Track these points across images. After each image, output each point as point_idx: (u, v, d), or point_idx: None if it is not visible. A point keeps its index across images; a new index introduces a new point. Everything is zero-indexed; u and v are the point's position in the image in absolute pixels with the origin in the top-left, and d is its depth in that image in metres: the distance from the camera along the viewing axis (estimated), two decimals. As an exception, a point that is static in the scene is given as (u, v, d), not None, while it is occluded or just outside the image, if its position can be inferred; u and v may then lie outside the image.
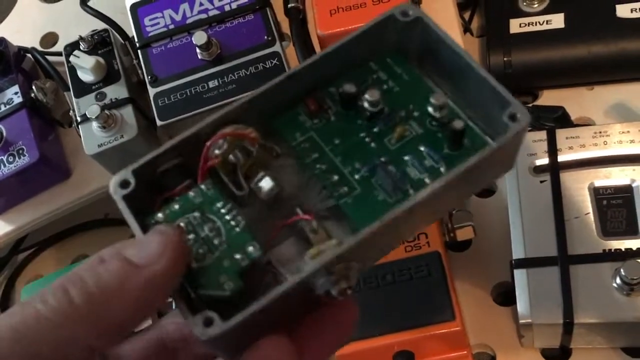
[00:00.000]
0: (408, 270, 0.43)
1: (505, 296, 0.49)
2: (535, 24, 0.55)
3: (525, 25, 0.55)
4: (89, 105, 0.50)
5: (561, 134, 0.47)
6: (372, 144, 0.26)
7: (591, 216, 0.44)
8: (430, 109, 0.26)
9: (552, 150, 0.46)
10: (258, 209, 0.26)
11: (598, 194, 0.44)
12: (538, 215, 0.45)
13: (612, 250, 0.42)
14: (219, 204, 0.25)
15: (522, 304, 0.43)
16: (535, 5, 0.55)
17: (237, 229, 0.24)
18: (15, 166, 0.52)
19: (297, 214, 0.26)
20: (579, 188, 0.45)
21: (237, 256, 0.24)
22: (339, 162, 0.26)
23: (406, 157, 0.26)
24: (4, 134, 0.53)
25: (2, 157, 0.52)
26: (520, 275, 0.43)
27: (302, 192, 0.27)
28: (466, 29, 0.60)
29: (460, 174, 0.24)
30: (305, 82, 0.27)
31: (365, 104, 0.26)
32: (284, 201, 0.26)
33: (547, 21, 0.55)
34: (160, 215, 0.25)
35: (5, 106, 0.54)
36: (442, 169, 0.25)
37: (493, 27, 0.57)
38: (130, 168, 0.25)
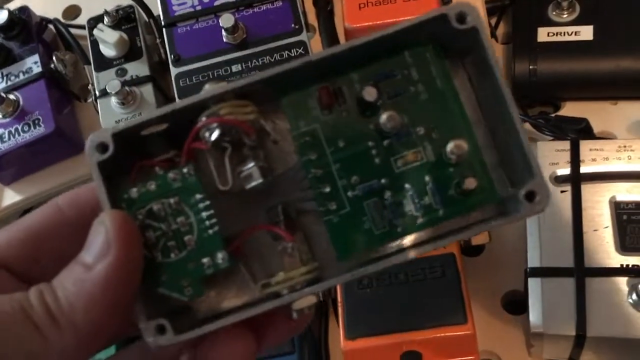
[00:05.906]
0: (422, 270, 0.42)
1: (514, 305, 0.48)
2: (564, 34, 0.54)
3: (554, 34, 0.55)
4: (109, 80, 0.50)
5: (585, 146, 0.46)
6: (377, 159, 0.24)
7: (610, 230, 0.43)
8: (448, 149, 0.23)
9: (575, 161, 0.46)
10: (237, 195, 0.24)
11: (619, 208, 0.44)
12: (556, 225, 0.44)
13: (630, 266, 0.42)
14: (197, 196, 0.23)
15: (534, 313, 0.42)
16: (565, 16, 0.55)
17: (210, 232, 0.23)
18: (29, 136, 0.51)
19: (280, 220, 0.24)
20: (600, 201, 0.44)
21: (204, 260, 0.23)
22: (337, 170, 0.24)
23: (407, 185, 0.24)
24: (21, 102, 0.52)
25: (17, 125, 0.51)
26: (534, 283, 0.43)
27: (288, 186, 0.25)
28: (492, 34, 0.60)
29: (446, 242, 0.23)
30: (329, 68, 0.25)
31: (383, 119, 0.24)
32: (266, 192, 0.25)
33: (575, 32, 0.54)
34: (134, 190, 0.23)
35: (24, 75, 0.53)
36: (440, 212, 0.24)
37: (520, 35, 0.56)
38: (111, 131, 0.23)
